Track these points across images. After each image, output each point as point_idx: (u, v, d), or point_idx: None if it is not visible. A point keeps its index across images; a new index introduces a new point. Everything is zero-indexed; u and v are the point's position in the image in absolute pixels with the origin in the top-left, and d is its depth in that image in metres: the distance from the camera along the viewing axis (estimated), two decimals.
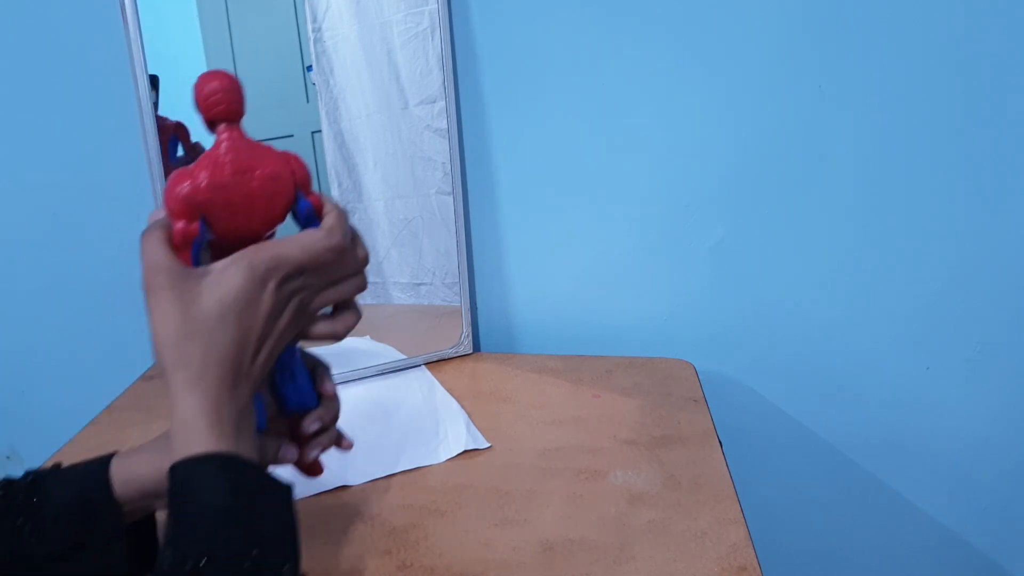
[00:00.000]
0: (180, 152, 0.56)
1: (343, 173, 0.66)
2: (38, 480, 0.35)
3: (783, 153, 0.62)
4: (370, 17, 0.63)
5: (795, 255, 0.65)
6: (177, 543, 0.27)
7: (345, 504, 0.47)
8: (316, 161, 0.65)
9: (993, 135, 0.59)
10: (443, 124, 0.64)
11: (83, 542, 0.34)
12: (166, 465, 0.30)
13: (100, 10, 0.63)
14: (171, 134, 0.59)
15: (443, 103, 0.63)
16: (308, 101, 0.64)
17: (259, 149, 0.33)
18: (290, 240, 0.32)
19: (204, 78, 0.32)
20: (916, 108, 0.59)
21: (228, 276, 0.30)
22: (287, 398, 0.36)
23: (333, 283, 0.33)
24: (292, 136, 0.64)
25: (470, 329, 0.69)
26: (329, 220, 0.33)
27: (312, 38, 0.63)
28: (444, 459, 0.52)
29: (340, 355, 0.68)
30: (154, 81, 0.54)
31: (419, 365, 0.67)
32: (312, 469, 0.39)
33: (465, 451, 0.53)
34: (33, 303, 0.77)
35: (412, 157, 0.65)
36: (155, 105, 0.55)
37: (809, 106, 0.60)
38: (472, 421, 0.57)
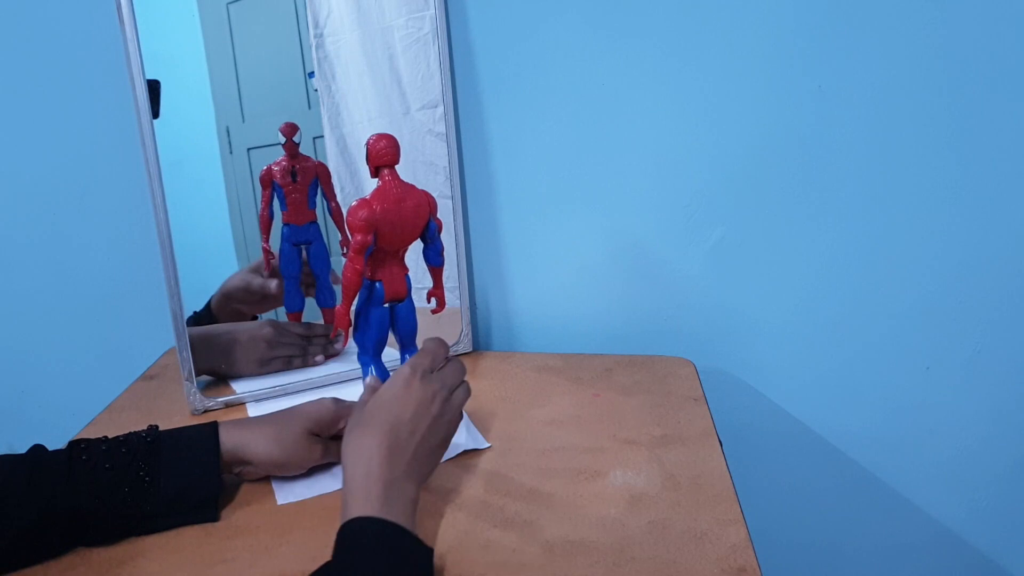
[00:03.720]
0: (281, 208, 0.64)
1: (345, 178, 0.66)
2: (158, 440, 0.44)
3: (783, 152, 0.62)
4: (371, 22, 0.64)
5: (795, 254, 0.65)
6: None
7: None
8: None
9: (993, 135, 0.59)
10: (444, 128, 0.65)
11: (183, 502, 0.44)
12: (264, 443, 0.46)
13: (101, 18, 0.64)
14: (313, 175, 0.63)
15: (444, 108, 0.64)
16: (310, 107, 0.65)
17: (408, 186, 0.48)
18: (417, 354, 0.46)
19: (375, 138, 0.46)
20: (915, 107, 0.59)
21: (391, 380, 0.44)
22: None
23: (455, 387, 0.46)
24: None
25: (469, 328, 0.70)
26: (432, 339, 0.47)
27: (314, 44, 0.63)
28: (444, 460, 0.52)
29: (342, 355, 0.69)
30: (156, 86, 0.55)
31: None
32: None
33: (465, 451, 0.53)
34: (33, 303, 0.77)
35: (414, 162, 0.66)
36: (156, 110, 0.55)
37: (808, 105, 0.60)
38: (472, 421, 0.57)
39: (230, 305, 0.64)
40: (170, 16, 0.61)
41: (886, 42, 0.58)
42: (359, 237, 0.46)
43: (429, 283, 0.54)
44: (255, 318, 0.66)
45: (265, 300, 0.65)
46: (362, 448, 0.40)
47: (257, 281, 0.64)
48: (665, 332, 0.70)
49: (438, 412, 0.43)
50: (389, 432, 0.41)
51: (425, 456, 0.42)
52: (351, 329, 0.50)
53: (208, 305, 0.64)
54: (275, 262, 0.65)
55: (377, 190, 0.47)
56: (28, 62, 0.69)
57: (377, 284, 0.49)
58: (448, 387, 0.45)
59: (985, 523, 0.72)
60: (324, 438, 0.49)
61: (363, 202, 0.46)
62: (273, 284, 0.64)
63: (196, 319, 0.62)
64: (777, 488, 0.74)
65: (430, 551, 0.38)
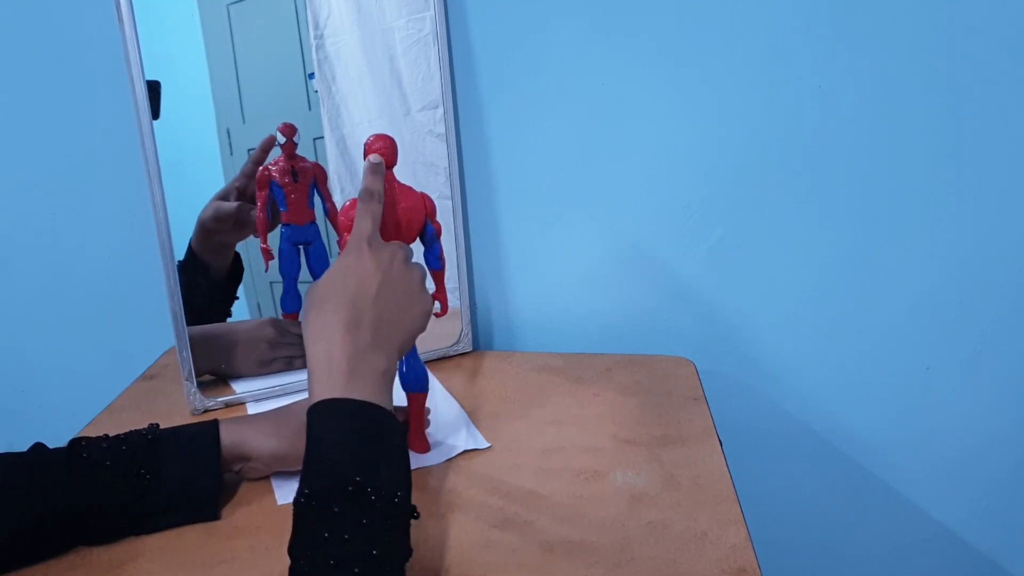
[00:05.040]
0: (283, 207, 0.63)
1: (345, 179, 0.66)
2: (158, 438, 0.44)
3: (782, 153, 0.62)
4: (372, 23, 0.64)
5: (794, 254, 0.65)
6: (302, 477, 0.33)
7: None
8: None
9: (993, 135, 0.59)
10: (444, 130, 0.65)
11: (184, 500, 0.44)
12: (264, 437, 0.45)
13: (101, 18, 0.64)
14: (312, 175, 0.63)
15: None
16: (310, 109, 0.65)
17: (404, 187, 0.47)
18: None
19: (373, 138, 0.46)
20: (915, 108, 0.59)
21: (341, 254, 0.40)
22: (404, 379, 0.50)
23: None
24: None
25: (469, 328, 0.70)
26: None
27: (314, 45, 0.64)
28: (444, 460, 0.52)
29: None
30: (156, 87, 0.55)
31: None
32: (422, 446, 0.52)
33: (465, 451, 0.53)
34: (33, 303, 0.77)
35: (414, 163, 0.66)
36: (157, 110, 0.55)
37: (808, 105, 0.61)
38: (472, 421, 0.57)
39: (209, 239, 0.61)
40: (170, 17, 0.61)
41: (886, 41, 0.58)
42: (348, 236, 0.46)
43: (430, 284, 0.54)
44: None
45: (239, 225, 0.62)
46: (320, 325, 0.36)
47: (225, 206, 0.61)
48: (665, 332, 0.70)
49: (400, 273, 0.40)
50: (348, 305, 0.37)
51: (393, 323, 0.38)
52: None
53: (189, 248, 0.62)
54: (274, 262, 0.65)
55: None
56: (28, 62, 0.69)
57: None
58: (405, 250, 0.42)
59: (985, 523, 0.72)
60: None
61: (355, 202, 0.46)
62: (236, 207, 0.61)
63: (182, 267, 0.60)
64: (777, 488, 0.74)
65: (402, 425, 0.37)
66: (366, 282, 0.38)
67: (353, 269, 0.38)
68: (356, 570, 0.30)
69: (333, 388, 0.35)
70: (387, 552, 0.31)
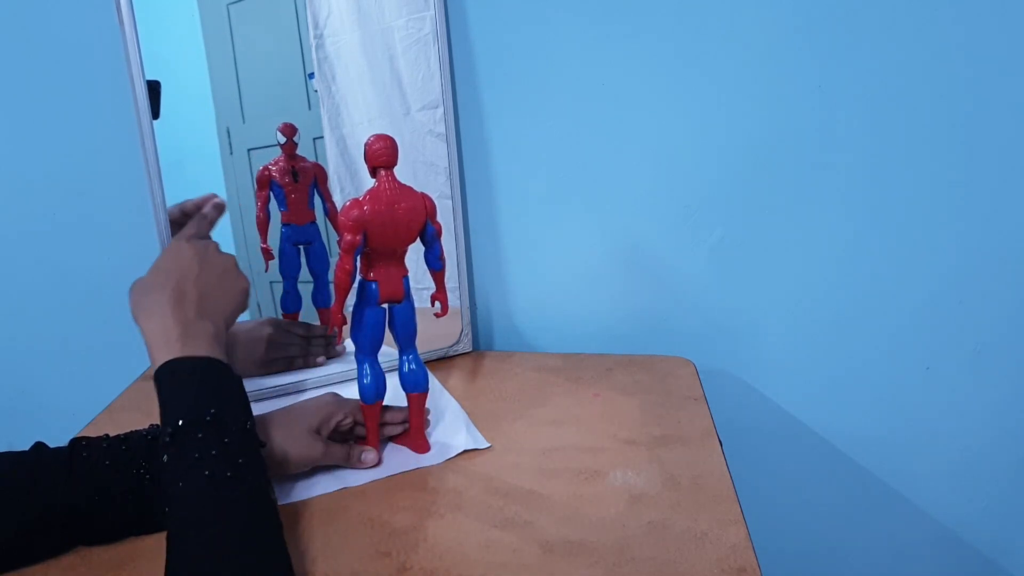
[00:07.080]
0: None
1: (345, 178, 0.66)
2: (159, 439, 0.43)
3: (783, 153, 0.62)
4: (372, 23, 0.64)
5: (795, 254, 0.66)
6: (163, 421, 0.39)
7: (345, 506, 0.47)
8: None
9: (992, 135, 0.59)
10: (444, 129, 0.65)
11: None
12: (270, 444, 0.46)
13: (101, 18, 0.64)
14: (312, 175, 0.63)
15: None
16: (310, 108, 0.65)
17: (404, 188, 0.48)
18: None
19: (373, 139, 0.46)
20: (915, 108, 0.59)
21: (164, 251, 0.48)
22: (404, 379, 0.52)
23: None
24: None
25: (469, 328, 0.70)
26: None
27: (314, 44, 0.64)
28: (444, 460, 0.52)
29: (341, 356, 0.69)
30: (156, 87, 0.55)
31: None
32: (422, 446, 0.53)
33: (465, 451, 0.53)
34: (33, 303, 0.77)
35: (414, 162, 0.66)
36: (157, 110, 0.55)
37: (808, 106, 0.61)
38: (472, 421, 0.57)
39: None
40: (170, 17, 0.61)
41: (886, 42, 0.58)
42: (348, 237, 0.46)
43: (430, 283, 0.54)
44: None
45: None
46: (149, 304, 0.43)
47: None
48: (665, 332, 0.70)
49: (215, 258, 0.46)
50: (173, 286, 0.43)
51: (214, 298, 0.44)
52: (346, 327, 0.50)
53: None
54: (274, 262, 0.65)
55: (371, 191, 0.47)
56: (28, 63, 0.69)
57: (372, 284, 0.49)
58: (215, 244, 0.48)
59: (985, 523, 0.72)
60: (324, 436, 0.49)
61: (355, 202, 0.46)
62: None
63: None
64: (777, 488, 0.74)
65: (239, 377, 0.41)
66: (186, 267, 0.44)
67: (174, 259, 0.45)
68: (228, 473, 0.36)
69: (171, 351, 0.40)
70: (250, 463, 0.38)
